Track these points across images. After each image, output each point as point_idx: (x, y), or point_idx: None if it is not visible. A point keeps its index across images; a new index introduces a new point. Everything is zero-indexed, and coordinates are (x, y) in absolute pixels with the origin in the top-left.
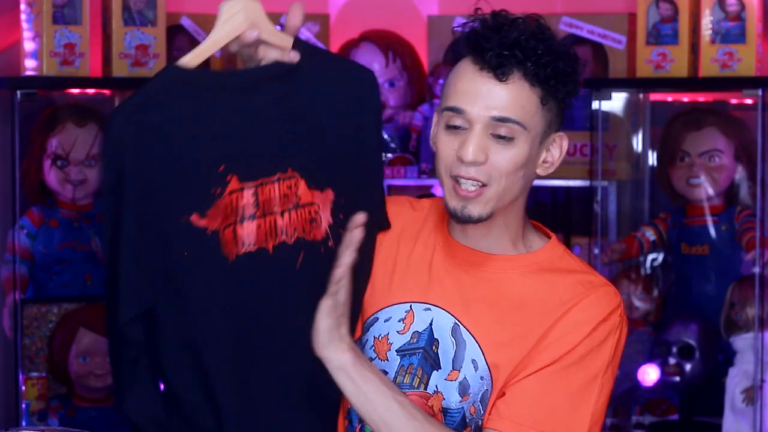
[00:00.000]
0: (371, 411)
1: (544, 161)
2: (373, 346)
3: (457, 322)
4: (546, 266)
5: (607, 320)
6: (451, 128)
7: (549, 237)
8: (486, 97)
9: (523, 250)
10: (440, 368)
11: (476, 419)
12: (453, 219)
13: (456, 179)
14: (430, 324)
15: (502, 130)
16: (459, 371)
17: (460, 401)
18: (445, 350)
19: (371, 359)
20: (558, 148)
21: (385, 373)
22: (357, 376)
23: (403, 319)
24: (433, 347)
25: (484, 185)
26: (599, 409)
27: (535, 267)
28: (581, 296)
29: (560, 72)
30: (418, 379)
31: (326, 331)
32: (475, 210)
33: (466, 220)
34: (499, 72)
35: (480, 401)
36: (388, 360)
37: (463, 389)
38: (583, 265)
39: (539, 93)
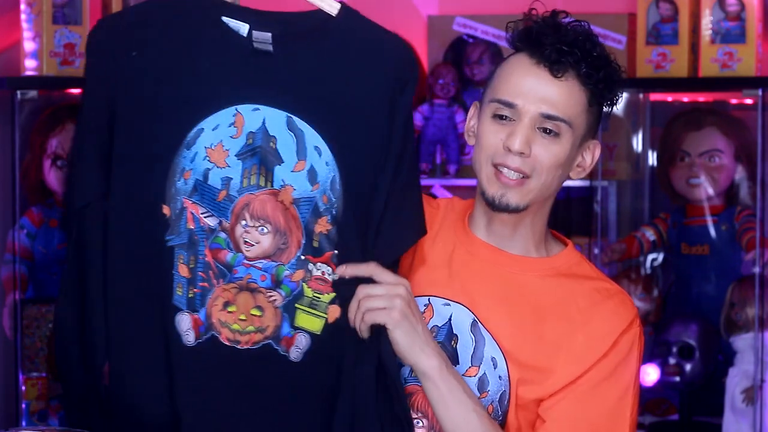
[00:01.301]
0: (449, 418)
1: (578, 165)
2: None
3: (475, 318)
4: (563, 271)
5: (629, 331)
6: (498, 118)
7: (565, 244)
8: (538, 92)
9: (544, 254)
10: (458, 363)
11: (493, 419)
12: (489, 206)
13: (498, 167)
14: (450, 319)
15: (550, 125)
16: (479, 367)
17: (479, 397)
18: (465, 346)
19: None
20: (591, 155)
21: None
22: (442, 383)
23: (422, 313)
24: (452, 343)
25: (526, 176)
26: (635, 420)
27: (553, 272)
28: (599, 304)
29: (609, 78)
30: None
31: (405, 337)
32: (513, 198)
33: (503, 208)
34: (555, 68)
35: (498, 401)
36: None
37: (482, 385)
38: (599, 273)
39: (587, 95)
